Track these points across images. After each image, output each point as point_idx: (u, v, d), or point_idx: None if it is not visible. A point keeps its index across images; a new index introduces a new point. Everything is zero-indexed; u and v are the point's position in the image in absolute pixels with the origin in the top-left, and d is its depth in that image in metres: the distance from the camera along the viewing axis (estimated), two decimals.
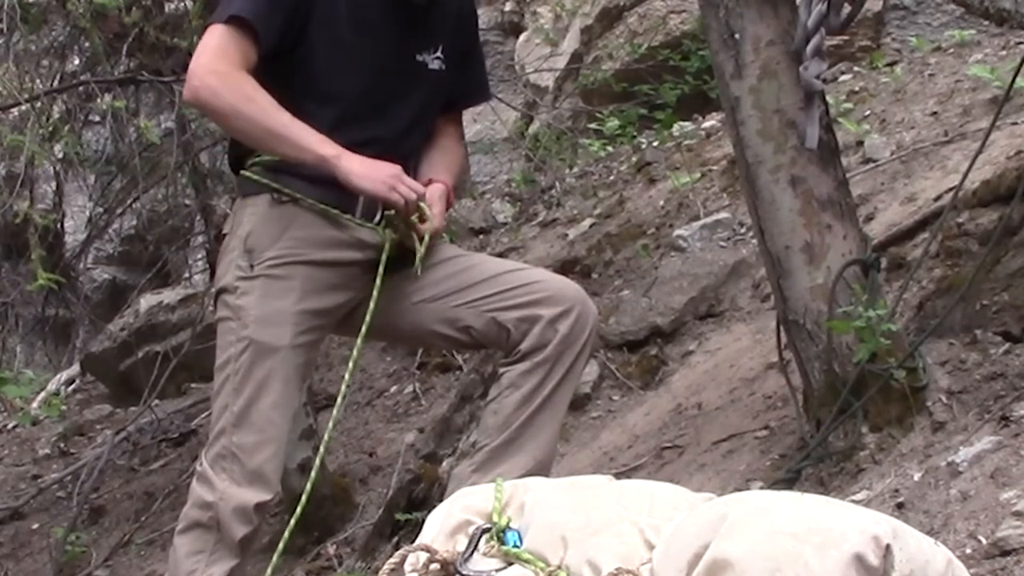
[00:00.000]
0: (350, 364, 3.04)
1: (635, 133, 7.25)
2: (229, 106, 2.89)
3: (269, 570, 2.96)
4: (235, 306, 2.98)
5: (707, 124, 6.79)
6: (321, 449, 3.11)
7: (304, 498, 3.00)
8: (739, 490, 3.20)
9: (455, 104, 3.27)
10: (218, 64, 2.87)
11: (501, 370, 3.06)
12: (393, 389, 5.66)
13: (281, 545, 2.98)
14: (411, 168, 3.10)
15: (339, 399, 3.07)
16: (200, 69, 2.90)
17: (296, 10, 2.93)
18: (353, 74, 3.00)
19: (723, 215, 5.35)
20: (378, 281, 2.98)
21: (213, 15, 3.02)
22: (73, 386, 8.35)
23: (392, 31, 3.03)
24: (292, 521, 2.97)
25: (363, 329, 2.98)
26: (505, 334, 3.02)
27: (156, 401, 6.39)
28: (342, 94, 3.00)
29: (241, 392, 2.94)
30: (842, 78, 6.31)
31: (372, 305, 2.96)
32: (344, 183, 2.91)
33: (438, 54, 3.10)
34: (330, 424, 3.11)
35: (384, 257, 2.99)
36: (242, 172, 3.06)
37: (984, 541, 2.49)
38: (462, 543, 2.01)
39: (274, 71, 2.94)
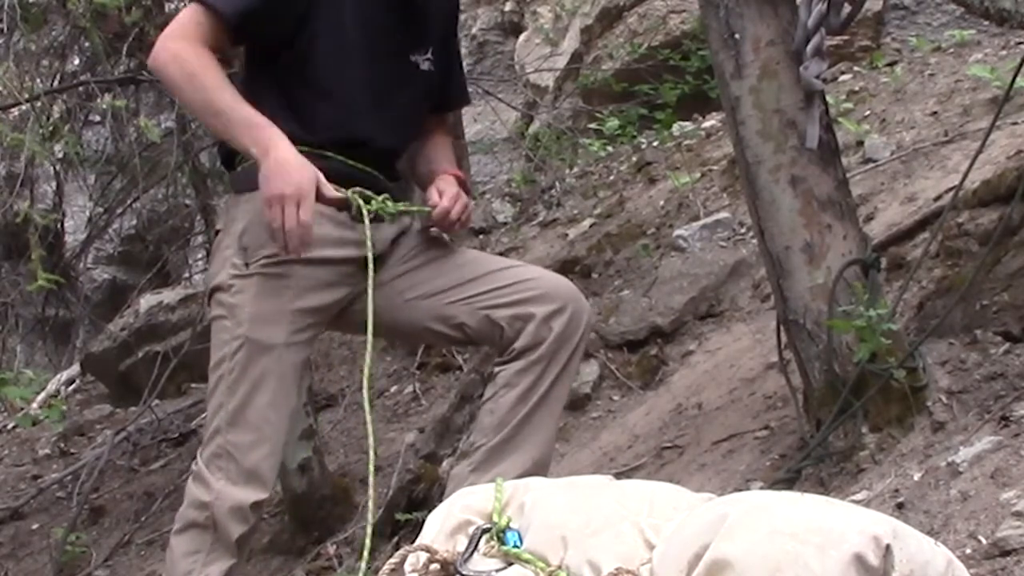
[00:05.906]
0: (366, 369, 3.00)
1: (635, 133, 7.26)
2: (177, 77, 2.88)
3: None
4: (230, 304, 2.95)
5: (707, 124, 6.79)
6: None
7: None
8: (739, 490, 3.20)
9: (440, 109, 3.30)
10: (177, 38, 2.89)
11: (496, 369, 3.05)
12: (393, 389, 5.66)
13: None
14: (397, 165, 3.13)
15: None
16: (161, 40, 2.91)
17: (290, 2, 2.93)
18: (353, 71, 3.00)
19: (723, 215, 5.34)
20: (370, 272, 2.95)
21: None
22: (73, 386, 8.35)
23: (390, 30, 3.04)
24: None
25: (370, 325, 2.96)
26: (499, 332, 3.01)
27: (156, 401, 6.40)
28: (342, 91, 3.00)
29: (236, 391, 2.92)
30: (842, 78, 6.31)
31: (369, 304, 2.95)
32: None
33: (428, 55, 3.12)
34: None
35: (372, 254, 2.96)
36: (234, 170, 3.05)
37: (984, 541, 2.48)
38: (462, 543, 2.01)
39: (279, 66, 2.95)
